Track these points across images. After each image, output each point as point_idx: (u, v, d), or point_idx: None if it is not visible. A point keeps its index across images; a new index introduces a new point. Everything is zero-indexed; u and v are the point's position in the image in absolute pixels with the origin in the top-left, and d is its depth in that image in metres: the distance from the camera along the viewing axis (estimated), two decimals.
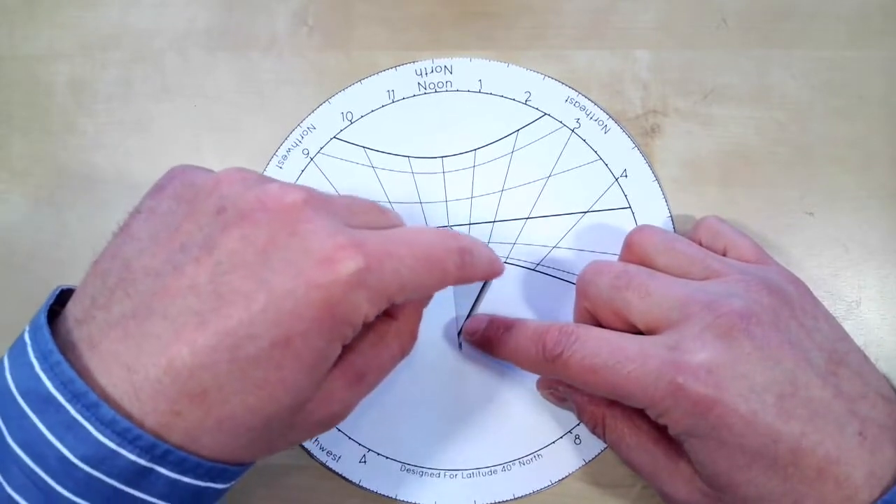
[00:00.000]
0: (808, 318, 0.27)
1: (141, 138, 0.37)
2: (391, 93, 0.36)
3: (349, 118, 0.36)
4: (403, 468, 0.32)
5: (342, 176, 0.36)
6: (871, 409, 0.25)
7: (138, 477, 0.21)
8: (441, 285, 0.26)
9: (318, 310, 0.22)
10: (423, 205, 0.35)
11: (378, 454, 0.33)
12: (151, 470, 0.21)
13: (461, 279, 0.26)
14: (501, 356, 0.30)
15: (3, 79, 0.38)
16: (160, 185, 0.25)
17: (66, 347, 0.22)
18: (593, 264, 0.29)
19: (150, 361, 0.21)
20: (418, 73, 0.37)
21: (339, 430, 0.33)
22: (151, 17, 0.38)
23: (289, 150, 0.36)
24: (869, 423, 0.24)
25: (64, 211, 0.36)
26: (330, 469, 0.33)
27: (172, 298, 0.22)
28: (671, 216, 0.35)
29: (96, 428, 0.21)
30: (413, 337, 0.28)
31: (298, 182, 0.36)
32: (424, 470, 0.32)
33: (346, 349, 0.25)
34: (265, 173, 0.36)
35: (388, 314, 0.27)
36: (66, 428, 0.21)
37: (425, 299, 0.29)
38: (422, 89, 0.36)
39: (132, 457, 0.21)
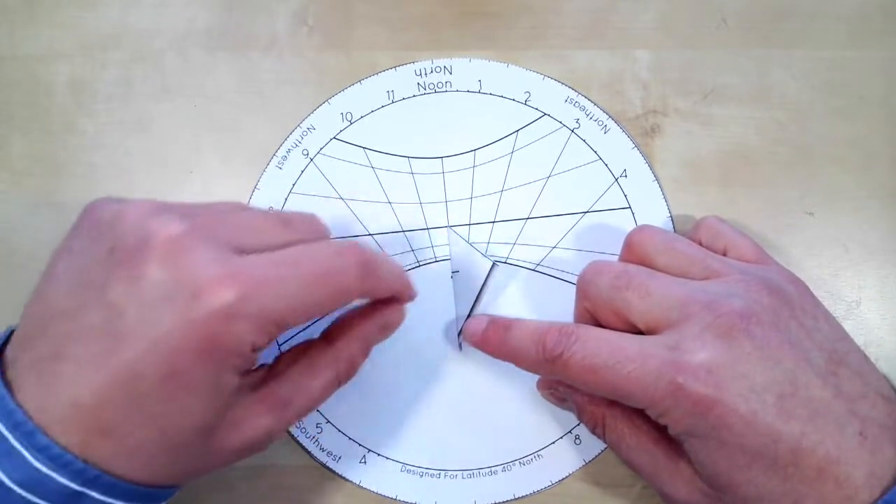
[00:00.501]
0: (809, 318, 0.27)
1: (141, 138, 0.37)
2: (391, 93, 0.36)
3: (349, 119, 0.36)
4: (403, 469, 0.32)
5: (342, 177, 0.36)
6: (871, 408, 0.25)
7: (71, 500, 0.22)
8: (342, 300, 0.26)
9: (197, 343, 0.22)
10: (423, 205, 0.35)
11: (378, 454, 0.33)
12: (83, 494, 0.22)
13: (366, 292, 0.27)
14: (501, 357, 0.30)
15: (3, 79, 0.38)
16: (76, 223, 0.26)
17: (6, 383, 0.23)
18: (593, 264, 0.29)
19: (59, 402, 0.22)
20: (418, 73, 0.37)
21: (340, 431, 0.33)
22: (151, 17, 0.38)
23: (288, 151, 0.36)
24: (869, 423, 0.24)
25: (64, 211, 0.36)
26: (330, 469, 0.33)
27: (76, 340, 0.23)
28: (671, 216, 0.35)
29: (31, 454, 0.22)
30: (352, 364, 0.28)
31: (297, 182, 0.35)
32: (424, 470, 0.32)
33: (271, 376, 0.26)
34: (265, 174, 0.36)
35: (326, 338, 0.27)
36: (5, 455, 0.22)
37: (377, 327, 0.29)
38: (421, 90, 0.36)
39: (64, 481, 0.22)
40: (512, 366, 0.31)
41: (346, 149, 0.36)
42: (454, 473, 0.32)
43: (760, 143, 0.35)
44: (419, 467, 0.32)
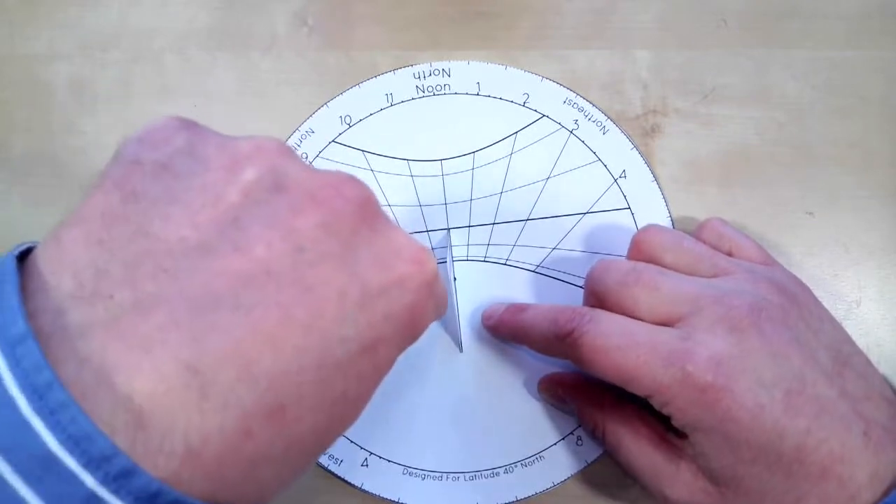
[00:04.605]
0: (814, 319, 0.27)
1: None
2: (389, 96, 0.36)
3: (347, 122, 0.36)
4: (405, 471, 0.32)
5: None
6: (875, 410, 0.25)
7: None
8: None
9: (405, 313, 0.20)
10: (423, 207, 0.35)
11: (380, 457, 0.33)
12: None
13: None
14: (515, 337, 0.30)
15: (3, 79, 0.38)
16: (153, 135, 0.21)
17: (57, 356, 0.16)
18: (602, 262, 0.29)
19: (221, 362, 0.16)
20: (416, 76, 0.37)
21: (341, 434, 0.33)
22: (151, 17, 0.38)
23: None
24: (873, 424, 0.25)
25: (64, 211, 0.36)
26: (331, 472, 0.33)
27: (243, 285, 0.17)
28: (671, 216, 0.34)
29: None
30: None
31: None
32: (426, 473, 0.32)
33: None
34: None
35: None
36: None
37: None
38: (420, 92, 0.36)
39: None
40: (513, 367, 0.31)
41: (346, 152, 0.36)
42: (456, 476, 0.32)
43: (760, 143, 0.35)
44: (421, 470, 0.32)
